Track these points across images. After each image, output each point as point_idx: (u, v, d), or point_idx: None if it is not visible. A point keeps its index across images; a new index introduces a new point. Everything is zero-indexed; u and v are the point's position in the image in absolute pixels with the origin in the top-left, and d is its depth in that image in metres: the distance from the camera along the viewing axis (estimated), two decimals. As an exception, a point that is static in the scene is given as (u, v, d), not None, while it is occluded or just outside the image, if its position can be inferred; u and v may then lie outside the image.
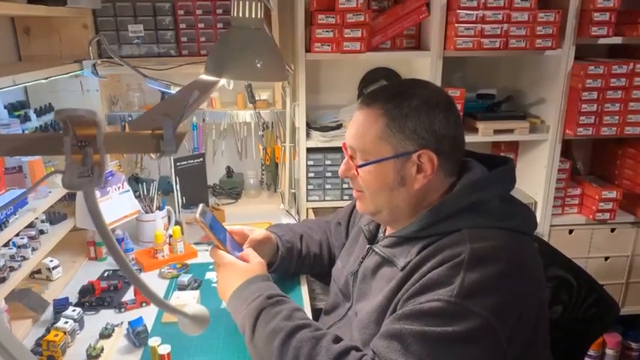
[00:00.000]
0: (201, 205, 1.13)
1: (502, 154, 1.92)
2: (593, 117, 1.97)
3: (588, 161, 2.43)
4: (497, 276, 0.87)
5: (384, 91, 1.03)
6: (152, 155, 0.65)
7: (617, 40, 1.94)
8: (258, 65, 1.16)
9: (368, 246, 1.11)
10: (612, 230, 2.18)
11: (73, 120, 0.59)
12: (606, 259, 2.21)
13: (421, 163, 0.98)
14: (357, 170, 1.02)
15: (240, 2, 1.13)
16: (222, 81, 1.24)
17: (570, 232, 2.18)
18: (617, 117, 1.98)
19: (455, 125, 0.99)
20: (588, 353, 2.29)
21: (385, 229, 1.14)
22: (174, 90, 1.59)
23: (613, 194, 2.10)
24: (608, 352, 2.36)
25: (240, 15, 1.14)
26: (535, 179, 2.14)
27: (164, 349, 1.11)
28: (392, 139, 0.97)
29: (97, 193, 1.57)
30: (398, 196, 1.01)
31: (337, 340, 0.95)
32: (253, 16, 1.14)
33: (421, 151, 0.97)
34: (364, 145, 1.00)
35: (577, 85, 1.96)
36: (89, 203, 0.61)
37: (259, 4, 1.14)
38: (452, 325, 0.83)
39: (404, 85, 1.06)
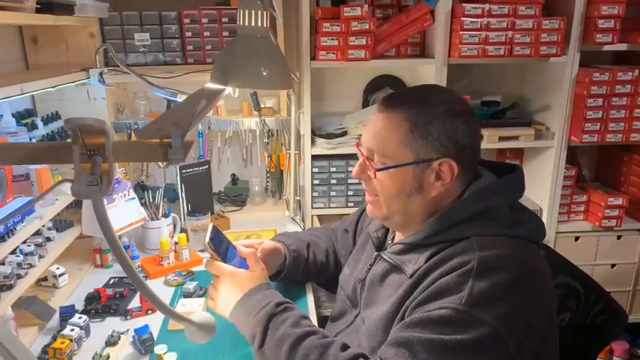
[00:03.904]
0: (210, 228, 1.12)
1: (508, 162, 1.92)
2: (599, 124, 1.97)
3: (594, 168, 2.42)
4: (505, 284, 0.86)
5: (408, 96, 1.02)
6: (160, 164, 0.65)
7: (622, 47, 1.93)
8: (264, 73, 1.16)
9: (376, 253, 1.11)
10: (618, 237, 2.16)
11: (82, 129, 0.60)
12: (613, 266, 2.20)
13: (441, 171, 0.97)
14: (375, 174, 1.01)
15: (246, 11, 1.14)
16: (228, 89, 1.24)
17: (576, 239, 2.17)
18: (622, 124, 1.98)
19: (475, 135, 0.99)
20: (595, 361, 2.27)
21: (393, 236, 1.14)
22: (180, 98, 1.60)
23: (619, 201, 2.09)
24: (616, 360, 2.35)
25: (246, 23, 1.15)
26: (540, 186, 2.13)
27: (170, 357, 1.11)
28: (414, 145, 0.96)
29: (104, 201, 1.58)
30: (413, 202, 1.00)
31: (345, 347, 0.94)
32: (259, 24, 1.15)
33: (442, 160, 0.96)
34: (384, 148, 0.99)
35: (582, 92, 1.96)
36: (98, 211, 0.62)
37: (265, 12, 1.15)
38: (461, 333, 0.83)
39: (427, 91, 1.04)
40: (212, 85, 1.19)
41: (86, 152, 0.61)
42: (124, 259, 0.65)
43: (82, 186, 0.60)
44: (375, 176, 1.01)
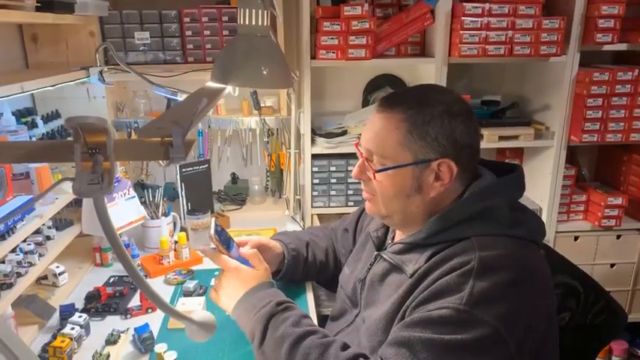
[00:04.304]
0: (213, 221, 1.13)
1: (507, 161, 1.92)
2: (598, 123, 1.97)
3: (593, 168, 2.42)
4: (506, 284, 0.87)
5: (406, 96, 1.02)
6: (161, 162, 0.65)
7: (622, 46, 1.93)
8: (264, 72, 1.17)
9: (376, 252, 1.11)
10: (618, 237, 2.17)
11: (83, 127, 0.60)
12: (612, 265, 2.20)
13: (440, 172, 0.97)
14: (374, 175, 1.01)
15: (247, 10, 1.14)
16: (228, 88, 1.24)
17: (576, 238, 2.17)
18: (622, 123, 1.98)
19: (474, 135, 0.99)
20: (595, 361, 2.27)
21: (393, 236, 1.14)
22: (180, 97, 1.60)
23: (619, 201, 2.09)
24: (615, 359, 2.35)
25: (247, 22, 1.15)
26: (540, 186, 2.14)
27: (170, 356, 1.11)
28: (413, 145, 0.96)
29: (105, 199, 1.57)
30: (413, 202, 1.00)
31: (345, 347, 0.95)
32: (260, 23, 1.15)
33: (441, 160, 0.96)
34: (383, 149, 0.98)
35: (582, 92, 1.96)
36: (99, 210, 0.62)
37: (266, 11, 1.15)
38: (461, 333, 0.83)
39: (426, 91, 1.04)
40: (212, 84, 1.19)
41: (87, 151, 0.61)
42: (124, 258, 0.65)
43: (83, 184, 0.60)
44: (375, 177, 1.01)
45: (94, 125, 0.60)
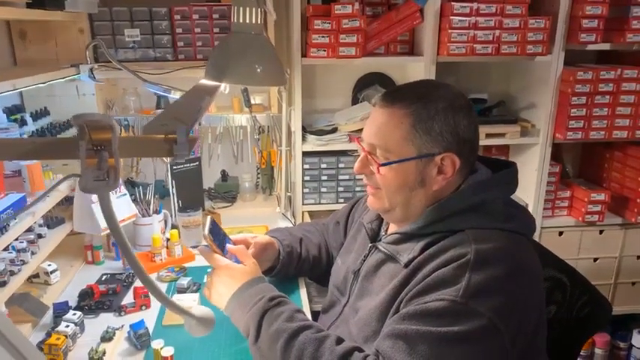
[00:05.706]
0: (208, 220, 1.13)
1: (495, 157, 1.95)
2: (582, 121, 2.02)
3: (577, 165, 2.48)
4: (501, 277, 0.89)
5: (409, 91, 1.03)
6: (165, 159, 0.66)
7: (606, 46, 1.98)
8: (258, 70, 1.18)
9: (371, 244, 1.12)
10: (601, 232, 2.22)
11: (89, 125, 0.61)
12: (595, 260, 2.26)
13: (443, 165, 0.99)
14: (378, 169, 1.02)
15: (241, 8, 1.15)
16: (223, 85, 1.25)
17: (560, 233, 2.22)
18: (605, 121, 2.03)
19: (475, 129, 1.02)
20: (578, 353, 2.32)
21: (387, 227, 1.16)
22: (173, 94, 1.60)
23: (601, 197, 2.14)
24: (597, 351, 2.41)
25: (241, 21, 1.16)
26: (526, 182, 2.18)
27: (167, 352, 1.12)
28: (417, 140, 0.98)
29: (94, 197, 1.57)
30: (416, 195, 1.02)
31: (340, 341, 0.96)
32: (253, 21, 1.16)
33: (445, 154, 0.98)
34: (387, 144, 1.00)
35: (566, 90, 2.00)
36: (103, 206, 0.63)
37: (259, 10, 1.16)
38: (457, 324, 0.85)
39: (428, 86, 1.06)
40: (206, 82, 1.19)
41: (92, 148, 0.62)
42: (128, 251, 0.66)
43: (89, 181, 0.61)
44: (379, 171, 1.02)
45: (100, 122, 0.61)
